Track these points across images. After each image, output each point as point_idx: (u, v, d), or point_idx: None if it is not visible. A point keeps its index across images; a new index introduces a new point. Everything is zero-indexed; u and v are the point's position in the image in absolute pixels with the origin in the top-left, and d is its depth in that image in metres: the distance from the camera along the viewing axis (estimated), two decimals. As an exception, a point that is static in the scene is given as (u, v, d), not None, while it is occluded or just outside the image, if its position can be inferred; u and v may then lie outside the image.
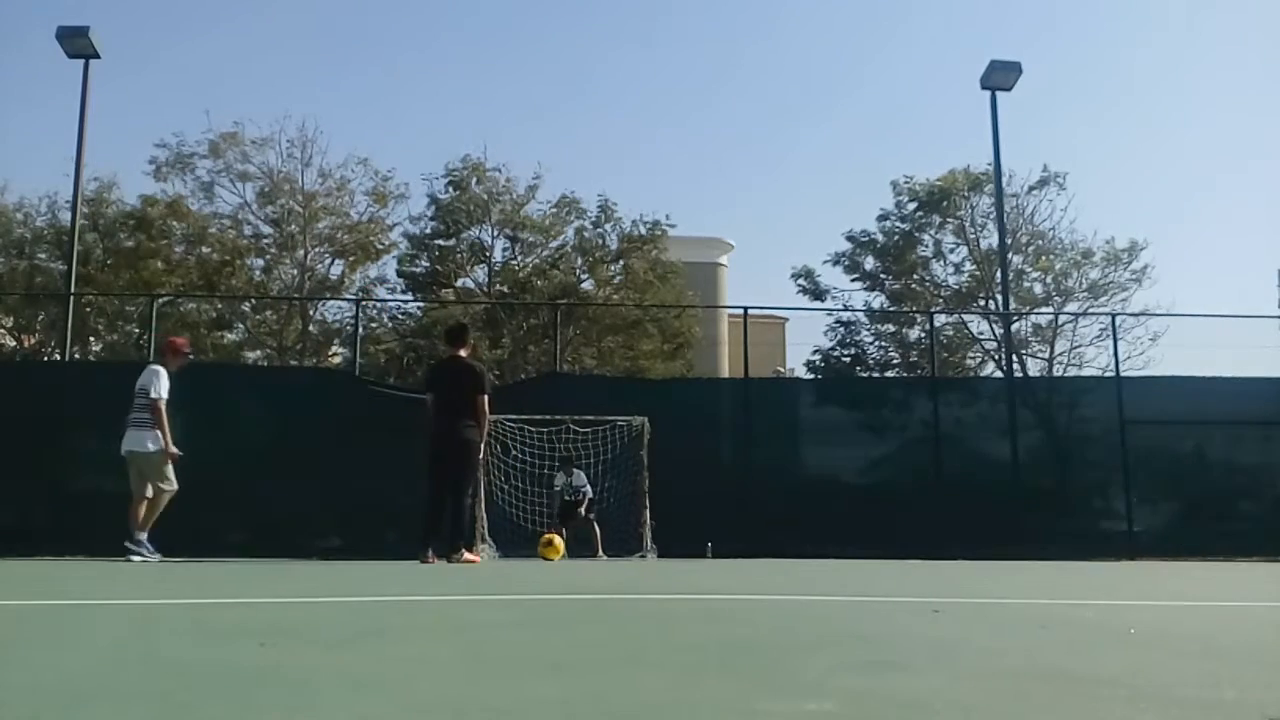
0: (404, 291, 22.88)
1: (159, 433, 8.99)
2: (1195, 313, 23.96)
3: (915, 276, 22.76)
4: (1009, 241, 18.72)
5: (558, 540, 10.42)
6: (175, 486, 9.00)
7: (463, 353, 8.97)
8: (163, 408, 9.00)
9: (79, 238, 16.77)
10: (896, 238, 22.63)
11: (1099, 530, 13.40)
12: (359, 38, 51.87)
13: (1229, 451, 13.83)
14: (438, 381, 8.93)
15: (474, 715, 1.60)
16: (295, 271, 21.82)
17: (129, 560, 8.49)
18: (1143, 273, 21.65)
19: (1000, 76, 15.88)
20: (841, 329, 22.39)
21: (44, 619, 3.56)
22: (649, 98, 61.98)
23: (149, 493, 8.93)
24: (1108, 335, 15.96)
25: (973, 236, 22.37)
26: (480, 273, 22.65)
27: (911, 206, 22.62)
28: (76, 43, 14.80)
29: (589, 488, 11.77)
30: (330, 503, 11.91)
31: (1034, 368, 20.71)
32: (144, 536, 8.79)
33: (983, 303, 22.26)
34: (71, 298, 15.80)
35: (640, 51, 62.11)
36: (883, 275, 22.84)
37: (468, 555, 8.71)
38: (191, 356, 9.94)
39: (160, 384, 9.12)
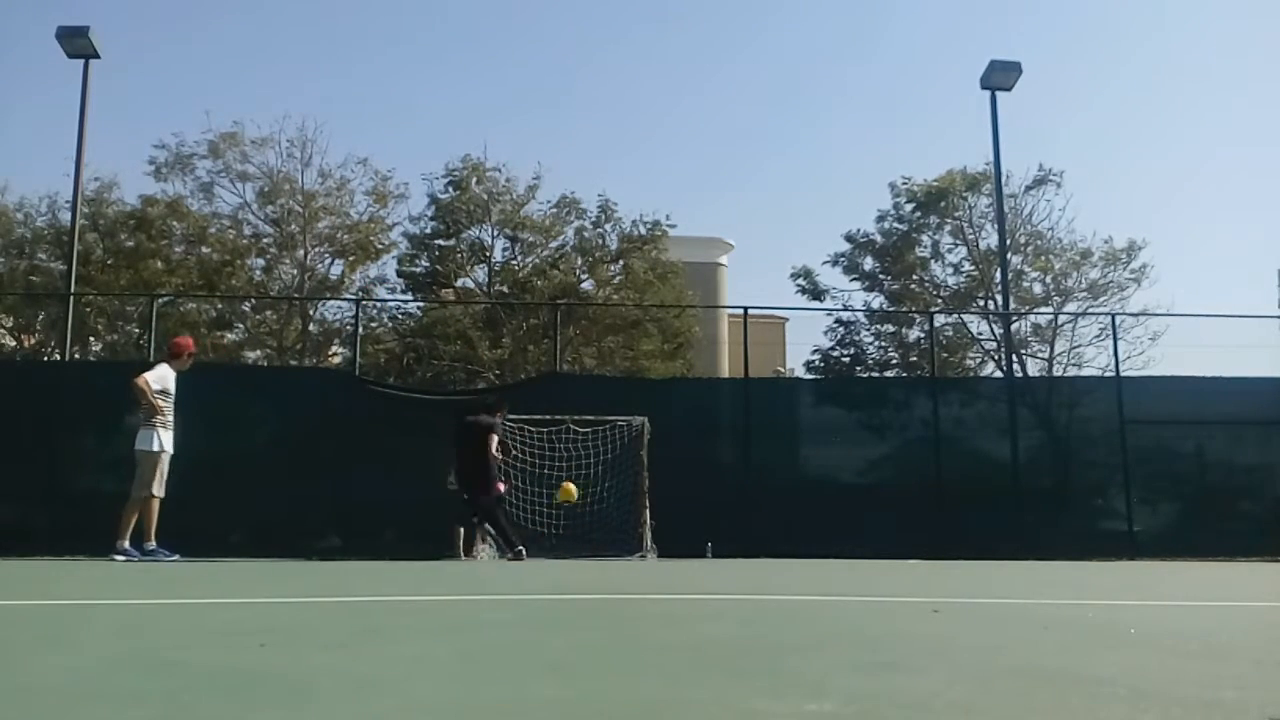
0: (404, 291, 22.85)
1: (150, 431, 8.87)
2: (1195, 313, 23.91)
3: (914, 277, 22.76)
4: (1008, 242, 18.71)
5: (568, 485, 10.96)
6: (157, 492, 8.79)
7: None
8: (143, 386, 8.83)
9: (79, 238, 16.75)
10: (895, 239, 22.63)
11: (1099, 530, 13.38)
12: (359, 37, 51.84)
13: (1229, 451, 13.81)
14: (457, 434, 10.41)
15: (474, 715, 1.60)
16: (295, 271, 21.81)
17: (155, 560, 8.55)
18: (1141, 272, 21.65)
19: (1000, 76, 15.86)
20: (841, 329, 22.39)
21: (44, 619, 3.56)
22: (649, 97, 61.97)
23: (138, 492, 8.82)
24: (1107, 335, 15.95)
25: (971, 237, 22.37)
26: (480, 273, 22.63)
27: (909, 208, 22.63)
28: (76, 43, 14.79)
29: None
30: (330, 503, 11.91)
31: (1034, 368, 20.70)
32: (124, 543, 8.71)
33: (982, 303, 22.26)
34: (71, 298, 15.78)
35: (640, 50, 62.13)
36: (881, 275, 22.84)
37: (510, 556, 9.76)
38: (194, 354, 9.84)
39: (151, 371, 9.06)
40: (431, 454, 11.02)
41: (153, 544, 8.80)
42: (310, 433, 12.19)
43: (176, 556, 8.84)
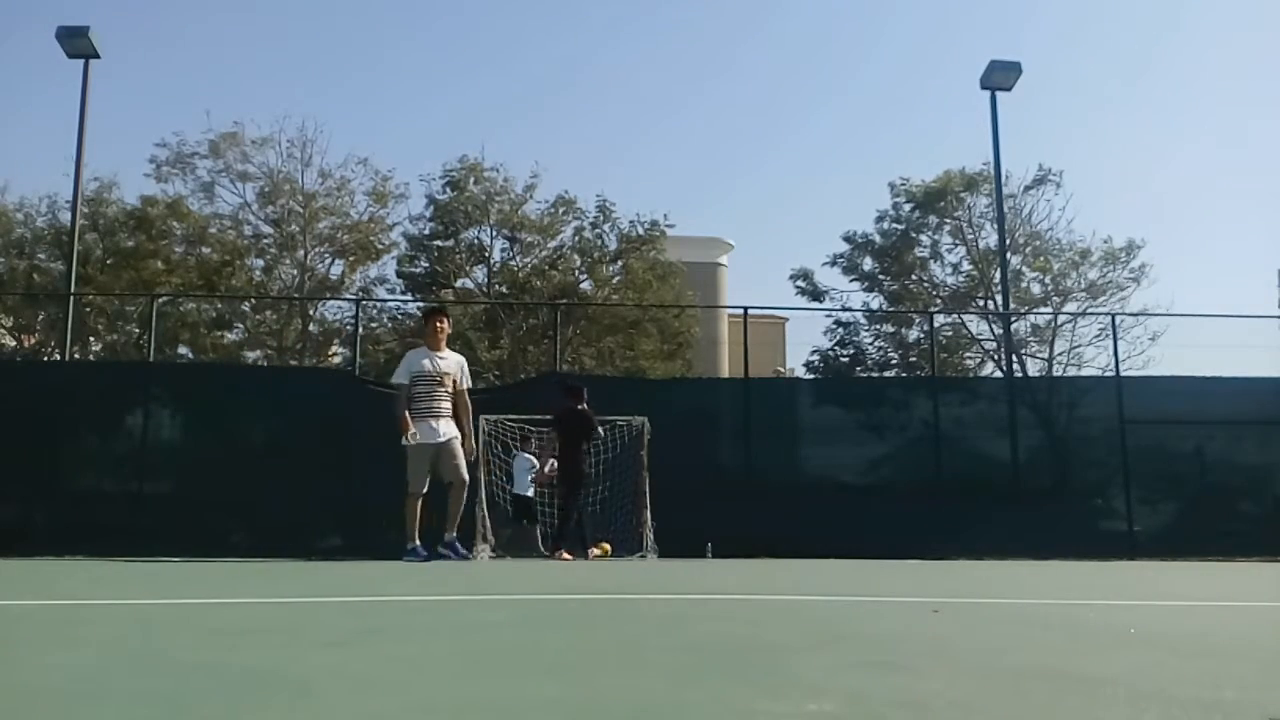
0: (404, 291, 22.88)
1: (414, 423, 8.51)
2: (1195, 313, 23.93)
3: (914, 277, 22.77)
4: (1008, 242, 18.71)
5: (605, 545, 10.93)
6: (413, 489, 8.46)
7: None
8: (398, 393, 8.59)
9: (79, 238, 16.76)
10: (894, 239, 22.63)
11: (1099, 530, 13.38)
12: (358, 36, 51.89)
13: (1229, 451, 13.81)
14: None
15: (474, 715, 1.60)
16: (295, 271, 21.83)
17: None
18: (1141, 271, 21.66)
19: (1000, 76, 15.86)
20: (840, 330, 22.40)
21: (44, 619, 3.56)
22: (649, 97, 62.00)
23: (411, 488, 8.47)
24: (1107, 335, 15.96)
25: (970, 237, 22.38)
26: (480, 273, 22.64)
27: (908, 208, 22.64)
28: (76, 43, 14.80)
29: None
30: (330, 503, 11.90)
31: (1033, 368, 20.70)
32: (412, 544, 8.37)
33: (981, 303, 22.26)
34: (71, 298, 15.79)
35: (639, 50, 62.14)
36: (881, 276, 22.85)
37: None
38: (443, 328, 8.91)
39: (400, 367, 8.80)
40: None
41: (414, 543, 8.37)
42: (310, 433, 12.19)
43: (467, 555, 8.71)
